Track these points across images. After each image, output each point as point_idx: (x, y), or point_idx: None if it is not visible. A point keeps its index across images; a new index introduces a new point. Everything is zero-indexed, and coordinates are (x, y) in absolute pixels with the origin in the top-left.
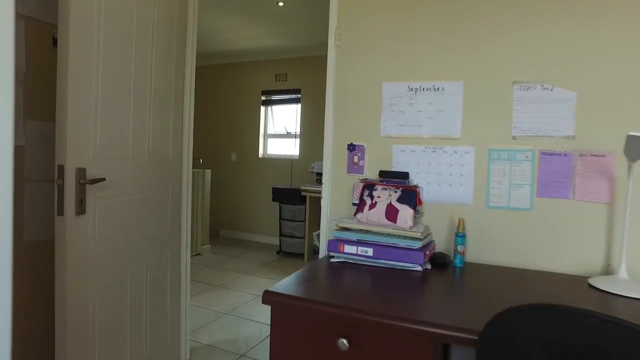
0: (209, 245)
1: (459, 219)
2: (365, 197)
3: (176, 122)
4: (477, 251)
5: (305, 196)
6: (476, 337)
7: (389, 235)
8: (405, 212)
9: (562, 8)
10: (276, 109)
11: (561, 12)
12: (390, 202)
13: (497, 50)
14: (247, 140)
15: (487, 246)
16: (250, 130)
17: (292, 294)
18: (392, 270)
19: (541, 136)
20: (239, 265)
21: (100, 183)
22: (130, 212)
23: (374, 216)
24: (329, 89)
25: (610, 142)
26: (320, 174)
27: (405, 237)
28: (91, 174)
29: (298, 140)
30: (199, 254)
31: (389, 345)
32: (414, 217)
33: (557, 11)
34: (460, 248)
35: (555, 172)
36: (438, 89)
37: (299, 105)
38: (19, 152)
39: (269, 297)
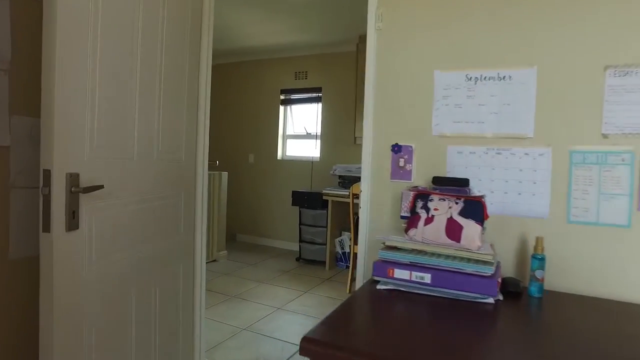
0: (225, 251)
1: (537, 238)
2: (418, 210)
3: (190, 121)
4: (555, 276)
5: (327, 200)
6: None
7: (451, 257)
8: (471, 229)
9: None
10: (296, 108)
11: None
12: (451, 216)
13: (585, 27)
14: (265, 142)
15: (567, 270)
16: (269, 130)
17: (336, 342)
18: (456, 302)
19: None
20: (256, 273)
21: (97, 191)
22: (135, 224)
23: (432, 233)
24: (368, 80)
25: None
26: (342, 177)
27: (473, 261)
28: (86, 180)
29: (319, 141)
30: (214, 261)
31: None
32: (482, 235)
33: None
34: (538, 274)
35: None
36: (504, 77)
37: (320, 105)
38: (4, 153)
39: (309, 346)
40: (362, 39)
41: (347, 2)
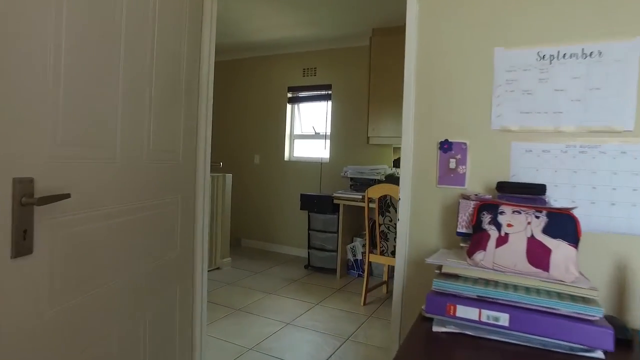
0: (230, 258)
1: None
2: (486, 226)
3: (189, 116)
4: None
5: (338, 204)
6: None
7: (536, 291)
8: (562, 253)
9: None
10: (304, 106)
11: None
12: (532, 235)
13: None
14: (271, 142)
15: None
16: (275, 130)
17: None
18: (546, 353)
19: None
20: (262, 282)
21: (62, 202)
22: (117, 242)
23: (507, 258)
24: (409, 61)
25: None
26: (354, 179)
27: (568, 297)
28: (44, 187)
29: (328, 141)
30: (217, 268)
31: None
32: (577, 261)
33: None
34: None
35: None
36: (591, 53)
37: (329, 103)
38: None
39: None
40: (376, 33)
41: None
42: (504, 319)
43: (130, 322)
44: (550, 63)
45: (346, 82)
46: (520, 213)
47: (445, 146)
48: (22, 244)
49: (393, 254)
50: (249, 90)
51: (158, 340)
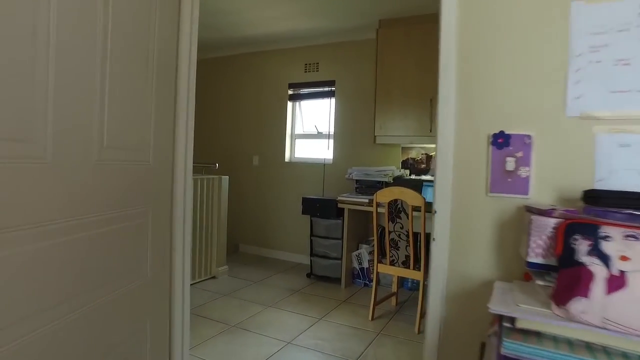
0: (226, 267)
1: None
2: (583, 257)
3: (163, 107)
4: None
5: (343, 208)
6: None
7: None
8: None
9: None
10: (306, 104)
11: None
12: None
13: None
14: (271, 142)
15: None
16: (275, 129)
17: None
18: None
19: None
20: (261, 293)
21: None
22: (53, 269)
23: (628, 311)
24: (447, 37)
25: None
26: (360, 182)
27: None
28: None
29: (332, 141)
30: (213, 277)
31: None
32: None
33: None
34: None
35: None
36: None
37: (333, 100)
38: None
39: None
40: (383, 24)
41: None
42: None
43: None
44: None
45: (351, 78)
46: (638, 239)
47: (500, 140)
48: None
49: (404, 264)
50: (246, 88)
51: None
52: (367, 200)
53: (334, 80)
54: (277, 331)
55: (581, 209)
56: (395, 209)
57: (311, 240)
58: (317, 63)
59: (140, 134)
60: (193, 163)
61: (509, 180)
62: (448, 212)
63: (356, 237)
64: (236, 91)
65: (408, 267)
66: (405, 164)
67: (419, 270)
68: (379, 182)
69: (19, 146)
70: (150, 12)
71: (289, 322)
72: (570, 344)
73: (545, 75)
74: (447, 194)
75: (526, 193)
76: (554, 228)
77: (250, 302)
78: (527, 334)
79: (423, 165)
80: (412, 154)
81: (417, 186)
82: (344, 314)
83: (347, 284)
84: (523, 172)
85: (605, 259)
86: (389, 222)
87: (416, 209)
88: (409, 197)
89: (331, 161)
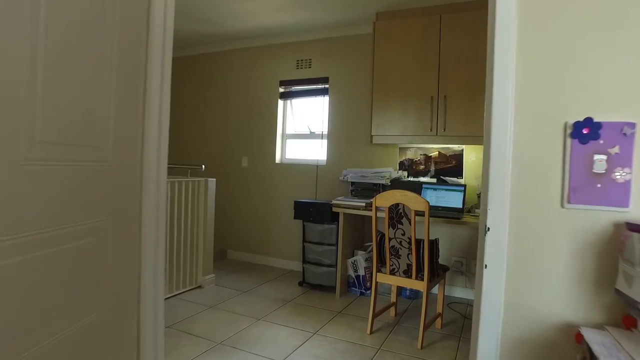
0: (213, 275)
1: None
2: None
3: (126, 93)
4: None
5: (337, 213)
6: None
7: None
8: None
9: None
10: (297, 102)
11: None
12: None
13: None
14: (261, 142)
15: None
16: (266, 129)
17: None
18: None
19: None
20: (251, 304)
21: None
22: None
23: None
24: None
25: None
26: (355, 184)
27: None
28: None
29: (325, 141)
30: (199, 287)
31: None
32: None
33: None
34: None
35: None
36: None
37: (326, 98)
38: None
39: None
40: (381, 17)
41: None
42: None
43: None
44: None
45: (346, 75)
46: None
47: (586, 131)
48: None
49: (405, 273)
50: (235, 86)
51: None
52: (363, 204)
53: (328, 77)
54: (268, 348)
55: None
56: (397, 214)
57: (304, 247)
58: (310, 59)
59: (94, 129)
60: (178, 165)
61: (598, 186)
62: (505, 230)
63: (352, 243)
64: (224, 89)
65: (410, 277)
66: (402, 165)
67: (422, 280)
68: (375, 184)
69: None
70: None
71: (280, 338)
72: None
73: None
74: (504, 206)
75: (625, 204)
76: None
77: (238, 315)
78: None
79: (422, 167)
80: (409, 155)
81: (417, 189)
82: (340, 327)
83: (342, 293)
84: (620, 175)
85: None
86: (389, 228)
87: (419, 213)
88: (411, 201)
89: (325, 162)
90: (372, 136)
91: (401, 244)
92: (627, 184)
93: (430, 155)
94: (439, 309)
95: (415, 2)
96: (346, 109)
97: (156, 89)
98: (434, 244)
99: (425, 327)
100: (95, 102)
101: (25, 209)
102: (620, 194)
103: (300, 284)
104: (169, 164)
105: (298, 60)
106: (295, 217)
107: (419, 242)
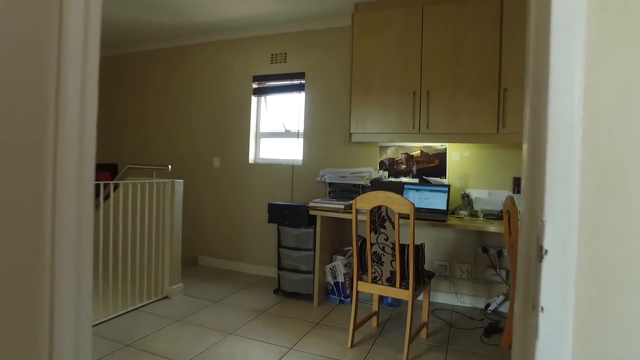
0: (181, 284)
1: None
2: None
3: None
4: None
5: (315, 216)
6: None
7: None
8: None
9: None
10: (272, 99)
11: None
12: None
13: None
14: (233, 141)
15: None
16: (238, 127)
17: None
18: None
19: None
20: (221, 316)
21: None
22: None
23: None
24: None
25: None
26: (333, 185)
27: None
28: None
29: (301, 140)
30: (165, 298)
31: None
32: None
33: None
34: None
35: None
36: None
37: (303, 94)
38: None
39: None
40: (360, 8)
41: None
42: None
43: None
44: None
45: (323, 70)
46: None
47: None
48: None
49: (388, 281)
50: (205, 82)
51: None
52: (342, 206)
53: (304, 72)
54: None
55: None
56: (379, 217)
57: (279, 252)
58: (285, 53)
59: None
60: (142, 165)
61: None
62: (573, 253)
63: (330, 248)
64: (193, 85)
65: (393, 285)
66: (382, 165)
67: (407, 288)
68: (354, 185)
69: None
70: None
71: (253, 355)
72: None
73: None
74: (571, 216)
75: None
76: None
77: (207, 329)
78: None
79: (403, 166)
80: (390, 154)
81: (398, 190)
82: (319, 340)
83: (320, 301)
84: None
85: None
86: (371, 232)
87: (403, 216)
88: (395, 203)
89: (301, 162)
90: (350, 134)
91: (384, 250)
92: None
93: (412, 154)
94: (424, 318)
95: None
96: (323, 106)
97: (71, 68)
98: (419, 250)
99: (411, 340)
100: None
101: None
102: None
103: (276, 291)
104: (131, 165)
105: (272, 55)
106: (269, 221)
107: (403, 248)
